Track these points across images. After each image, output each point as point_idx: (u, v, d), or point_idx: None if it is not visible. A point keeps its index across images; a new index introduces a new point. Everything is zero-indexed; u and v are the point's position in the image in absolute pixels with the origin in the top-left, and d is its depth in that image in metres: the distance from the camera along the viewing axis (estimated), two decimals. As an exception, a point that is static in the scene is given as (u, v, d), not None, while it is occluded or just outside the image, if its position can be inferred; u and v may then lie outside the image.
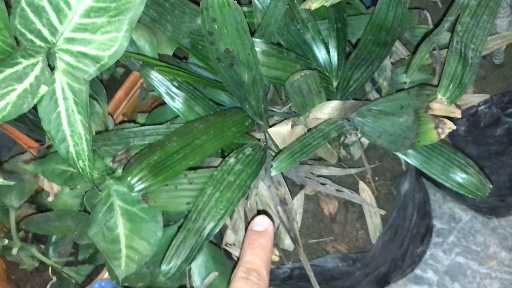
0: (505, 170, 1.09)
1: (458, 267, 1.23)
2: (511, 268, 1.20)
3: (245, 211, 0.98)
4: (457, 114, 0.73)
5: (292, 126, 0.90)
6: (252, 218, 0.94)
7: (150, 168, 0.81)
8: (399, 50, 1.03)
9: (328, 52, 0.95)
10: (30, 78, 0.73)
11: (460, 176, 0.81)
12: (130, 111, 1.22)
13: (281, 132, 0.90)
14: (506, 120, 0.99)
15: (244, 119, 0.93)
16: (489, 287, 1.19)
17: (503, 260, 1.21)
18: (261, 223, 0.68)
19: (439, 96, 0.71)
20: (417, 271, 1.24)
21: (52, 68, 0.76)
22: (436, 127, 0.74)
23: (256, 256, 0.65)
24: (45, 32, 0.74)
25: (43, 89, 0.74)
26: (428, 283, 1.22)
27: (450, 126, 0.73)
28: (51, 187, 1.00)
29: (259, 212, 1.00)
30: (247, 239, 0.66)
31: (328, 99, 0.92)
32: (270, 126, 0.91)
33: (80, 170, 0.80)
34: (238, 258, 1.01)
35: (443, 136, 0.73)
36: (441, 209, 1.29)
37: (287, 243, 0.99)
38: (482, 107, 0.98)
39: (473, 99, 0.99)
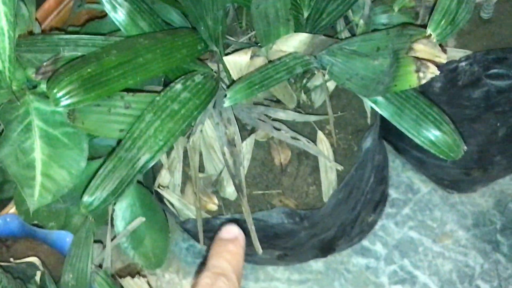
0: (476, 139, 1.10)
1: (410, 242, 1.24)
2: (466, 248, 1.22)
3: (185, 151, 0.96)
4: (442, 58, 0.72)
5: (252, 57, 0.88)
6: (194, 158, 0.92)
7: (81, 82, 0.77)
8: (380, -13, 1.01)
9: (302, -23, 0.93)
10: None
11: (432, 133, 0.80)
12: (60, 24, 1.17)
13: (238, 62, 0.87)
14: (486, 82, 0.99)
15: (196, 42, 0.90)
16: (441, 267, 1.21)
17: (459, 240, 1.24)
18: (230, 230, 0.61)
19: (429, 31, 0.70)
20: (365, 242, 1.25)
21: None
22: (417, 70, 0.73)
23: (224, 260, 0.58)
24: None
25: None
26: (375, 256, 1.24)
27: (432, 71, 0.72)
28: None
29: (201, 156, 0.98)
30: (213, 247, 0.59)
31: (296, 31, 0.89)
32: (226, 55, 0.89)
33: (-2, 73, 0.75)
34: (171, 204, 0.99)
35: (424, 81, 0.72)
36: (399, 177, 1.30)
37: (229, 191, 0.97)
38: (463, 64, 0.98)
39: (454, 53, 0.98)
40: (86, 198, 0.78)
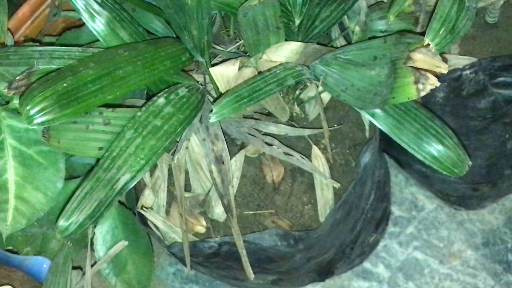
0: (484, 152, 1.11)
1: (415, 263, 1.25)
2: (476, 270, 1.23)
3: (170, 169, 0.96)
4: (443, 68, 0.73)
5: (240, 68, 0.88)
6: (179, 177, 0.92)
7: (57, 97, 0.78)
8: (378, -9, 1.03)
9: (293, -18, 0.94)
10: None
11: (435, 148, 0.81)
12: (35, 33, 1.18)
13: (226, 74, 0.88)
14: (493, 91, 1.00)
15: (181, 52, 0.90)
16: (448, 290, 1.22)
17: (467, 260, 1.24)
18: None
19: (427, 40, 0.71)
20: (366, 264, 1.25)
21: None
22: (416, 82, 0.74)
23: None
24: None
25: None
26: (377, 279, 1.24)
27: (432, 82, 0.73)
28: None
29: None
30: None
31: (287, 40, 0.90)
32: (213, 65, 0.90)
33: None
34: (156, 226, 1.00)
35: (423, 93, 0.73)
36: (402, 193, 1.30)
37: (218, 212, 0.98)
38: (467, 72, 0.99)
39: (457, 61, 0.99)
40: (61, 223, 0.78)
